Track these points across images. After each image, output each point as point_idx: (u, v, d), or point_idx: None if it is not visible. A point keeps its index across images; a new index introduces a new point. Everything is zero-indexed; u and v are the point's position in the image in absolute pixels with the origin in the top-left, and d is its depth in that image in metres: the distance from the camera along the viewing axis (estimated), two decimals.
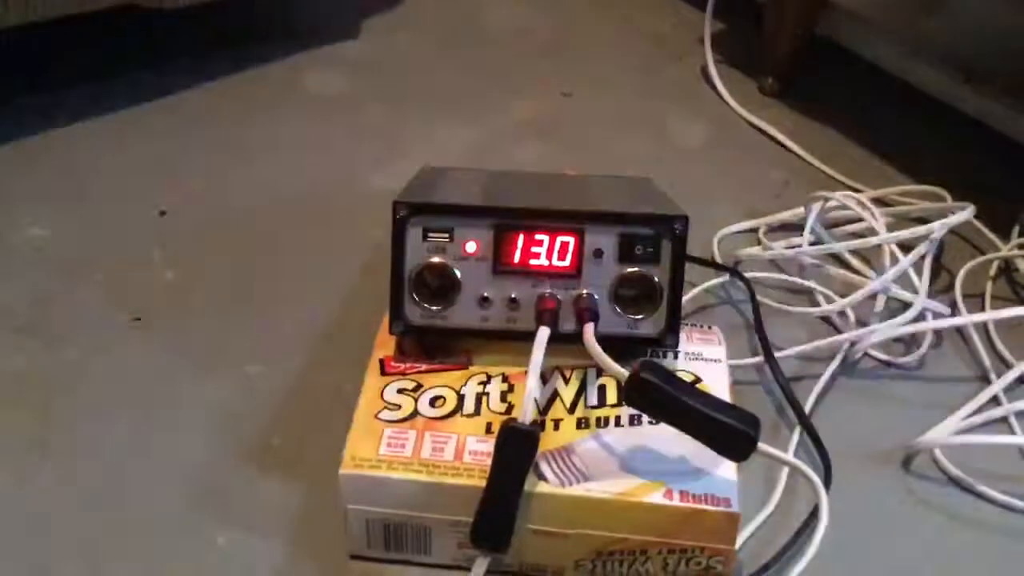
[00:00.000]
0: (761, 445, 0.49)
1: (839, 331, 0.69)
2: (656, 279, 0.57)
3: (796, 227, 0.78)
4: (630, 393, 0.50)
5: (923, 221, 0.74)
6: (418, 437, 0.54)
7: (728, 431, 0.49)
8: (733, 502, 0.51)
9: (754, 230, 0.79)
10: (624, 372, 0.50)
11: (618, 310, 0.57)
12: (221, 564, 0.54)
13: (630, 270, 0.56)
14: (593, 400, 0.56)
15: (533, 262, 0.56)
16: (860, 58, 0.92)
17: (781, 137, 0.88)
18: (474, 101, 0.93)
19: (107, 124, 0.86)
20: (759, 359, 0.67)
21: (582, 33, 1.03)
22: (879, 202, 0.80)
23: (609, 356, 0.52)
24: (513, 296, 0.57)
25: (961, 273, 0.74)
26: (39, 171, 0.81)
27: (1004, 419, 0.65)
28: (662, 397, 0.49)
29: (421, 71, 0.97)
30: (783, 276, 0.74)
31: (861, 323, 0.70)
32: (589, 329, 0.53)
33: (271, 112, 0.90)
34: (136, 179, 0.81)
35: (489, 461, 0.50)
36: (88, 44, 0.90)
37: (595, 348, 0.52)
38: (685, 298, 0.71)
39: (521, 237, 0.56)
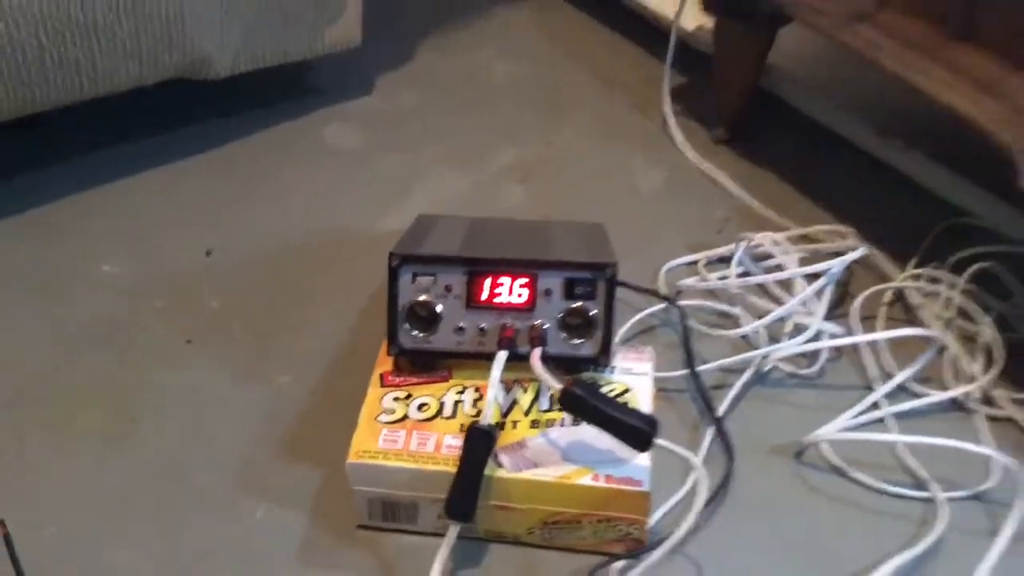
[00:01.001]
0: (658, 440, 0.66)
1: (754, 348, 0.85)
2: (593, 312, 0.73)
3: (730, 260, 0.94)
4: (561, 401, 0.66)
5: (839, 253, 0.90)
6: (408, 435, 0.70)
7: (633, 430, 0.65)
8: (645, 483, 0.67)
9: (696, 262, 0.95)
10: (558, 386, 0.66)
11: (564, 336, 0.73)
12: (259, 530, 0.72)
13: (573, 305, 0.73)
14: (544, 406, 0.73)
15: (497, 299, 0.73)
16: (797, 111, 1.08)
17: (726, 181, 1.04)
18: (469, 149, 1.09)
19: (161, 175, 1.04)
20: (687, 371, 0.83)
21: (565, 87, 1.19)
22: (804, 238, 0.96)
23: (553, 373, 0.69)
24: (482, 326, 0.73)
25: (860, 299, 0.89)
26: (109, 216, 0.99)
27: (882, 420, 0.80)
28: (585, 404, 0.66)
29: (424, 123, 1.13)
30: (713, 303, 0.90)
31: (774, 341, 0.86)
32: (536, 353, 0.70)
33: (297, 163, 1.07)
34: (187, 223, 0.98)
35: (460, 453, 0.67)
36: (143, 107, 1.07)
37: (538, 367, 0.68)
38: (632, 320, 0.88)
39: (488, 280, 0.73)
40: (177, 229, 0.98)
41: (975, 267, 0.88)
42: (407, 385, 0.74)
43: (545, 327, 0.73)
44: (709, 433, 0.79)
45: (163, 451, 0.77)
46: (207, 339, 0.86)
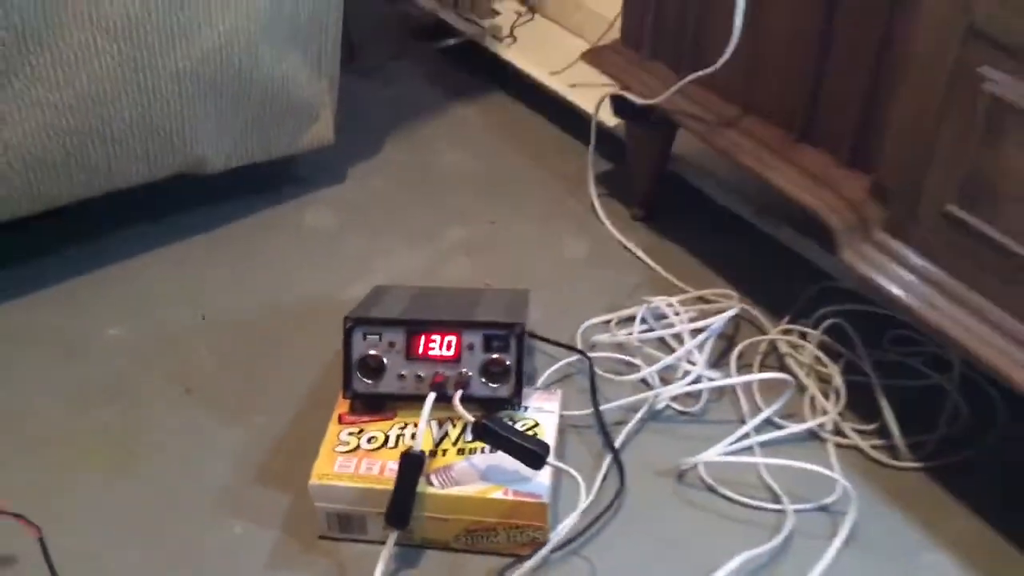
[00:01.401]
0: (550, 460, 0.84)
1: (650, 390, 1.03)
2: (508, 362, 0.92)
3: (640, 320, 1.13)
4: (473, 431, 0.85)
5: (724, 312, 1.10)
6: (359, 461, 0.89)
7: (529, 453, 0.83)
8: (544, 496, 0.86)
9: (609, 321, 1.14)
10: (471, 419, 0.85)
11: (485, 381, 0.92)
12: (238, 542, 0.90)
13: (491, 356, 0.92)
14: (469, 437, 0.91)
15: (430, 353, 0.92)
16: (700, 193, 1.28)
17: (639, 252, 1.23)
18: (424, 229, 1.29)
19: (164, 254, 1.23)
20: (593, 410, 1.01)
21: (507, 173, 1.39)
22: (698, 300, 1.15)
23: (472, 410, 0.87)
24: (419, 374, 0.92)
25: (738, 349, 1.08)
26: (117, 288, 1.18)
27: (750, 448, 0.99)
28: (491, 433, 0.84)
29: (387, 207, 1.33)
30: (619, 355, 1.09)
31: (667, 384, 1.04)
32: (457, 395, 0.88)
33: (279, 242, 1.26)
34: (185, 293, 1.17)
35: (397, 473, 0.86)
36: (150, 197, 1.26)
37: (458, 406, 0.87)
38: (552, 368, 1.06)
39: (423, 337, 0.92)
40: (177, 298, 1.17)
41: (828, 322, 1.07)
42: (360, 423, 0.93)
43: (469, 374, 0.91)
44: (608, 459, 0.97)
45: (159, 480, 0.95)
46: (201, 389, 1.05)
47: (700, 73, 1.02)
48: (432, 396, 0.88)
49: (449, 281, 1.20)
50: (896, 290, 0.87)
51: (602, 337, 1.10)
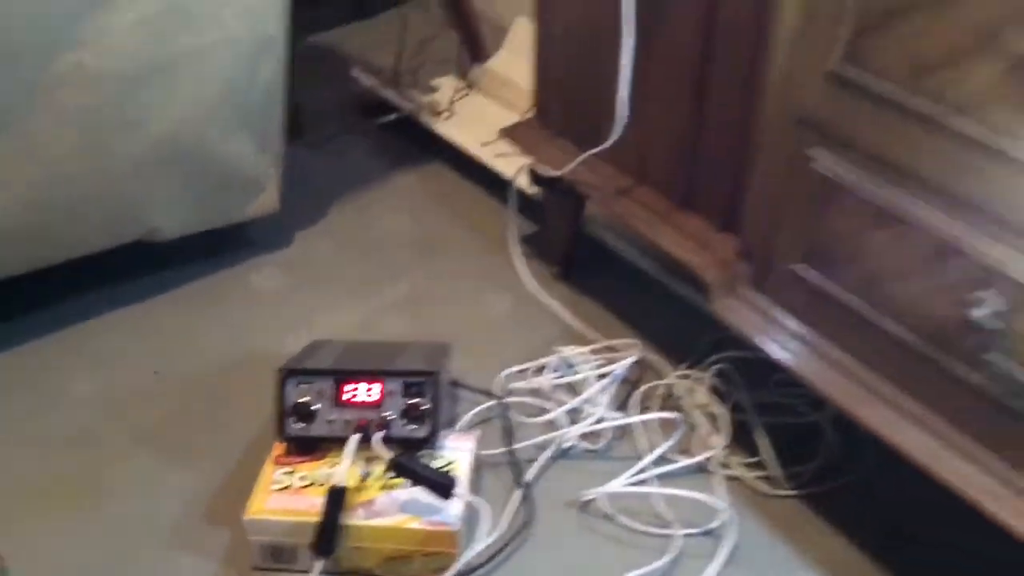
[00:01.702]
0: (458, 492, 0.96)
1: (559, 430, 1.15)
2: (425, 407, 1.03)
3: (551, 366, 1.25)
4: (388, 467, 0.96)
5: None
6: (289, 498, 1.00)
7: (438, 485, 0.95)
8: (455, 526, 0.97)
9: (526, 369, 1.26)
10: (388, 455, 0.96)
11: (405, 424, 1.04)
12: (184, 574, 1.00)
13: (411, 402, 1.03)
14: (391, 475, 1.02)
15: (356, 399, 1.04)
16: (613, 252, 1.42)
17: (556, 307, 1.36)
18: (363, 288, 1.41)
19: (123, 314, 1.34)
20: (507, 448, 1.13)
21: (441, 236, 1.52)
22: (607, 348, 1.28)
23: (391, 449, 0.99)
24: (346, 418, 1.03)
25: (639, 392, 1.21)
26: (81, 348, 1.29)
27: (647, 480, 1.10)
28: (404, 469, 0.95)
29: (330, 267, 1.45)
30: (533, 399, 1.21)
31: (574, 424, 1.16)
32: (377, 436, 1.00)
33: (229, 302, 1.38)
34: (140, 351, 1.29)
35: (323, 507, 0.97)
36: (109, 262, 1.38)
37: (377, 446, 0.99)
38: (473, 412, 1.18)
39: (349, 385, 1.04)
40: (134, 356, 1.28)
41: (717, 367, 1.20)
42: (293, 464, 1.04)
43: (391, 418, 1.03)
44: (519, 493, 1.08)
45: (116, 521, 1.06)
46: (154, 438, 1.16)
47: (595, 150, 1.16)
48: (356, 438, 1.00)
49: (384, 335, 1.31)
50: (757, 337, 1.00)
51: (519, 384, 1.22)
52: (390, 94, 1.74)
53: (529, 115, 1.33)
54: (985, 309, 0.80)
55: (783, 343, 0.99)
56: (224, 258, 1.45)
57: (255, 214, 1.41)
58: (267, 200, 1.41)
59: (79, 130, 1.17)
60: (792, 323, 0.99)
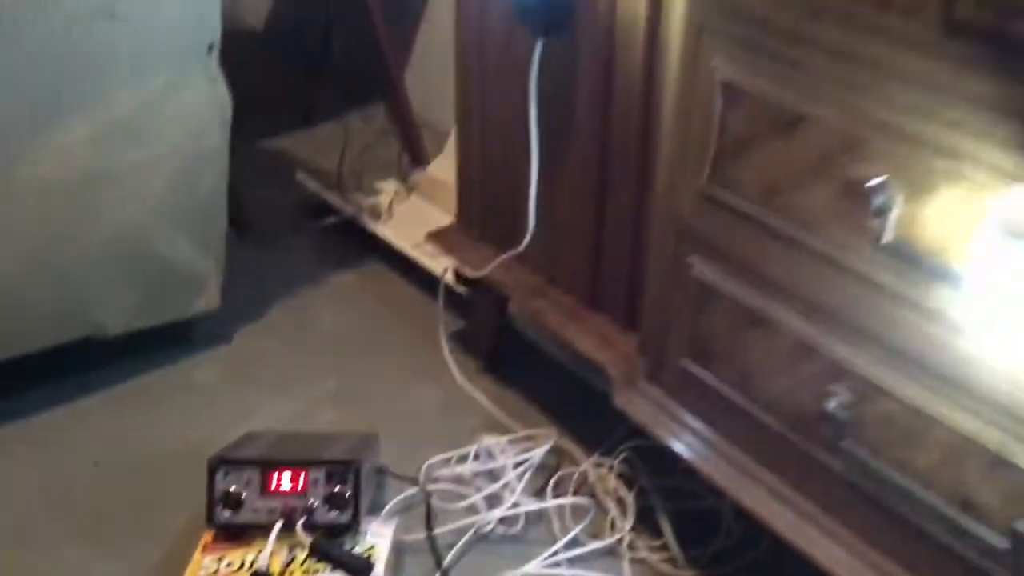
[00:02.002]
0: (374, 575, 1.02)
1: (478, 515, 1.22)
2: (348, 494, 1.10)
3: (473, 455, 1.32)
4: (310, 551, 1.03)
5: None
6: None
7: (355, 569, 1.01)
8: None
9: (450, 458, 1.33)
10: (308, 540, 1.03)
11: (328, 510, 1.10)
12: None
13: (334, 489, 1.10)
14: (314, 559, 1.08)
15: (281, 487, 1.10)
16: (535, 347, 1.51)
17: (481, 398, 1.44)
18: (299, 382, 1.49)
19: (68, 409, 1.41)
20: (427, 533, 1.20)
21: (376, 332, 1.61)
22: (526, 438, 1.36)
23: (313, 535, 1.05)
24: (272, 506, 1.10)
25: (555, 477, 1.29)
26: (23, 441, 1.35)
27: (560, 563, 1.17)
28: (322, 553, 1.02)
29: (268, 363, 1.53)
30: (456, 486, 1.28)
31: (493, 509, 1.23)
32: (299, 523, 1.07)
33: (169, 397, 1.45)
34: (80, 445, 1.35)
35: None
36: (55, 359, 1.45)
37: (299, 532, 1.05)
38: (397, 498, 1.25)
39: (276, 474, 1.11)
40: (73, 449, 1.34)
41: (625, 455, 1.29)
42: (222, 550, 1.10)
43: (314, 504, 1.10)
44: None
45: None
46: (88, 529, 1.21)
47: (510, 253, 1.26)
48: (279, 524, 1.07)
49: (318, 426, 1.39)
50: (654, 428, 1.09)
51: (442, 471, 1.30)
52: (333, 197, 1.84)
53: (454, 220, 1.44)
54: (837, 401, 0.90)
55: (676, 433, 1.08)
56: (166, 354, 1.52)
57: (197, 312, 1.49)
58: (209, 298, 1.49)
59: (32, 235, 1.26)
60: (684, 414, 1.08)
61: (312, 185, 1.90)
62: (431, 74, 2.15)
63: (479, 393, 1.46)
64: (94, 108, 1.23)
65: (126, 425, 1.39)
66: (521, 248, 1.25)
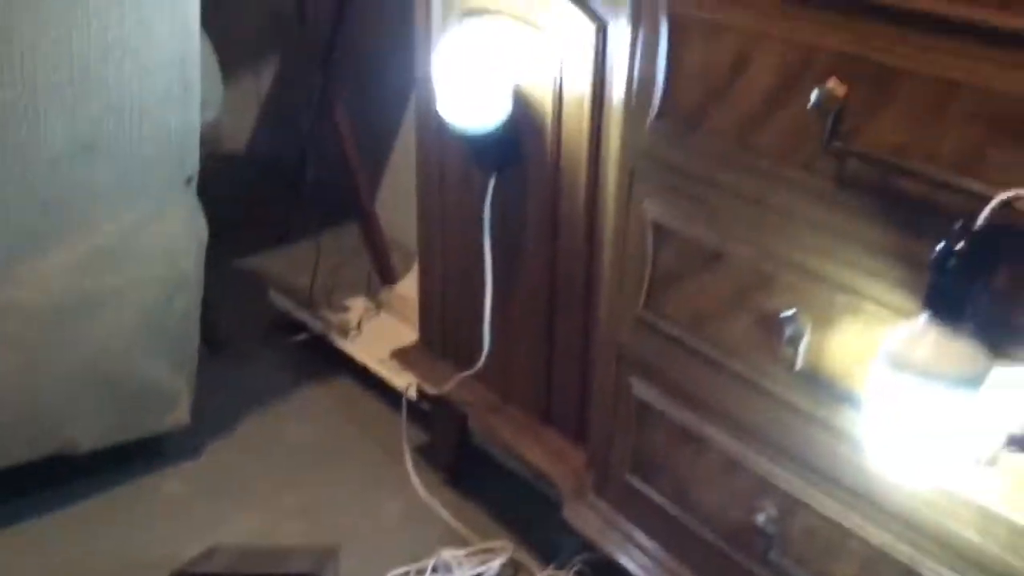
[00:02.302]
0: None
1: None
2: None
3: (433, 567, 1.37)
4: None
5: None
6: None
7: None
8: None
9: (408, 571, 1.37)
10: None
11: None
12: None
13: None
14: None
15: None
16: (493, 460, 1.56)
17: (442, 511, 1.49)
18: (265, 496, 1.53)
19: (36, 524, 1.44)
20: None
21: (342, 445, 1.66)
22: (484, 550, 1.40)
23: None
24: None
25: None
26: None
27: None
28: None
29: (236, 476, 1.57)
30: None
31: None
32: None
33: (137, 510, 1.49)
34: (49, 560, 1.38)
35: None
36: (27, 472, 1.49)
37: None
38: None
39: None
40: (41, 561, 1.37)
41: (577, 568, 1.33)
42: None
43: None
44: None
45: None
46: None
47: (468, 372, 1.34)
48: None
49: (283, 539, 1.43)
50: (600, 541, 1.15)
51: None
52: (303, 314, 1.92)
53: (417, 339, 1.51)
54: (765, 515, 0.96)
55: (623, 546, 1.14)
56: (135, 470, 1.56)
57: (167, 428, 1.54)
58: (179, 415, 1.54)
59: (10, 355, 1.32)
60: (629, 528, 1.14)
61: (284, 303, 1.97)
62: (400, 197, 2.26)
63: (440, 506, 1.50)
64: (75, 237, 1.31)
65: (94, 538, 1.42)
66: (477, 367, 1.32)
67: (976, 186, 0.73)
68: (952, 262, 0.73)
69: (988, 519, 0.80)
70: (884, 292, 0.82)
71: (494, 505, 1.52)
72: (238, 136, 2.74)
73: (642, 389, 1.07)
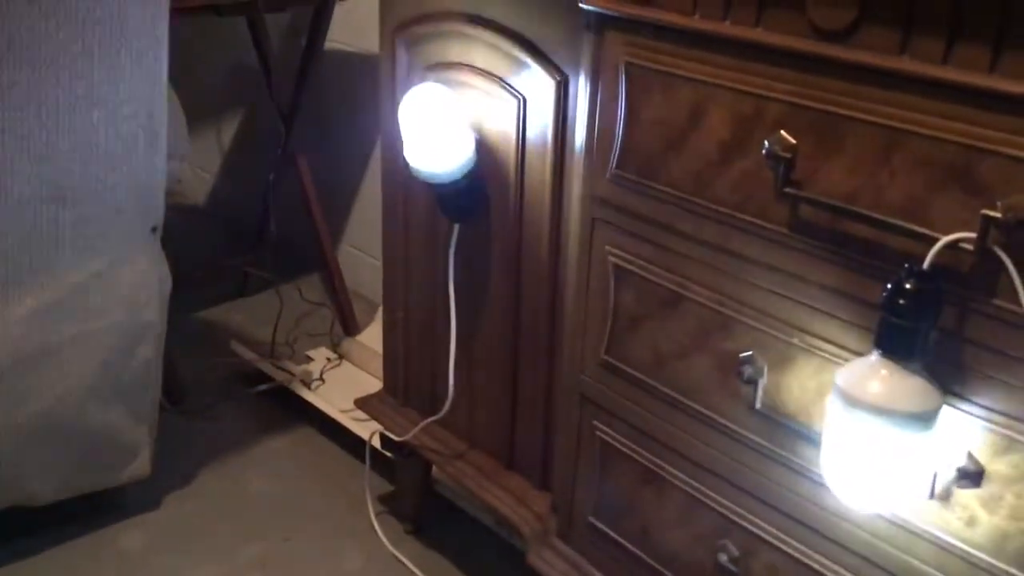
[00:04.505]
0: None
1: None
2: None
3: None
4: None
5: None
6: None
7: None
8: None
9: None
10: None
11: None
12: None
13: None
14: None
15: None
16: (460, 510, 1.57)
17: (407, 562, 1.48)
18: (226, 549, 1.51)
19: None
20: None
21: (305, 496, 1.64)
22: None
23: None
24: None
25: None
26: None
27: None
28: None
29: (195, 528, 1.56)
30: None
31: None
32: None
33: (96, 564, 1.46)
34: None
35: None
36: None
37: None
38: None
39: None
40: None
41: None
42: None
43: None
44: None
45: None
46: None
47: (431, 419, 1.35)
48: None
49: None
50: None
51: None
52: (265, 365, 1.91)
53: (381, 387, 1.52)
54: (727, 555, 0.98)
55: None
56: (93, 522, 1.54)
57: (127, 479, 1.52)
58: (139, 467, 1.53)
59: None
60: (592, 570, 1.14)
61: (246, 354, 1.97)
62: (363, 249, 2.28)
63: (404, 556, 1.50)
64: (37, 285, 1.31)
65: None
66: (442, 414, 1.33)
67: (922, 229, 0.76)
68: (901, 302, 0.76)
69: (943, 553, 0.82)
70: (837, 332, 0.85)
71: (459, 554, 1.51)
72: (201, 188, 2.75)
73: (605, 432, 1.09)
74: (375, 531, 1.55)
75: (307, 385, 1.87)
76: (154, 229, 1.41)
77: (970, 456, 0.79)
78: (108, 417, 1.44)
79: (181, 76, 1.62)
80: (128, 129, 1.32)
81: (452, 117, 1.20)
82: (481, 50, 1.18)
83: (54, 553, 1.47)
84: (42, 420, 1.37)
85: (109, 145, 1.31)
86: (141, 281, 1.42)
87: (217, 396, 1.92)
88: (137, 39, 1.30)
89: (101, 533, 1.52)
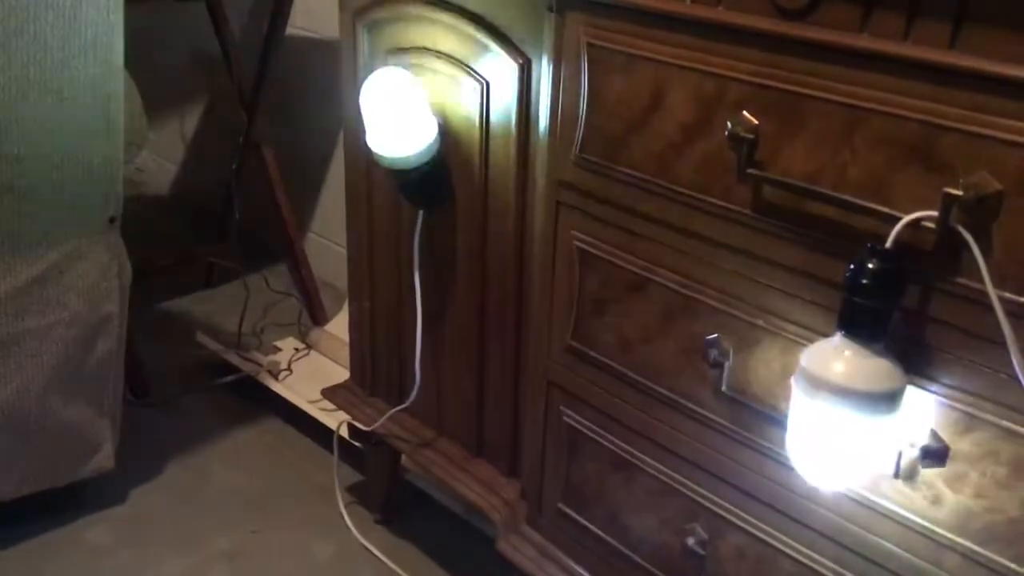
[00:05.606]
0: None
1: None
2: None
3: None
4: None
5: None
6: None
7: None
8: None
9: None
10: None
11: None
12: None
13: None
14: None
15: None
16: (430, 498, 1.56)
17: (376, 552, 1.47)
18: (193, 541, 1.49)
19: None
20: None
21: (272, 487, 1.63)
22: None
23: None
24: None
25: None
26: None
27: None
28: None
29: (161, 522, 1.53)
30: None
31: None
32: None
33: (61, 559, 1.44)
34: None
35: None
36: None
37: None
38: None
39: None
40: None
41: None
42: None
43: None
44: None
45: None
46: None
47: (399, 407, 1.33)
48: None
49: None
50: (535, 573, 1.15)
51: None
52: (232, 356, 1.89)
53: (348, 377, 1.51)
54: (695, 538, 0.97)
55: (548, 571, 1.14)
56: (59, 517, 1.51)
57: (91, 473, 1.50)
58: (103, 460, 1.50)
59: None
60: (563, 558, 1.14)
61: (212, 345, 1.94)
62: (329, 238, 2.26)
63: (374, 546, 1.49)
64: None
65: None
66: (409, 402, 1.32)
67: (885, 208, 0.76)
68: (864, 282, 0.76)
69: (909, 532, 0.82)
70: (802, 313, 0.84)
71: (429, 543, 1.51)
72: (164, 177, 2.71)
73: (573, 417, 1.08)
74: (344, 521, 1.54)
75: (274, 376, 1.85)
76: (112, 219, 1.38)
77: (934, 435, 0.79)
78: (69, 410, 1.41)
79: (141, 63, 1.59)
80: (82, 117, 1.29)
81: (414, 102, 1.19)
82: (443, 33, 1.16)
83: (18, 550, 1.45)
84: (2, 413, 1.34)
85: (63, 135, 1.28)
86: (100, 272, 1.39)
87: (183, 388, 1.89)
88: (92, 26, 1.27)
89: (66, 529, 1.50)
